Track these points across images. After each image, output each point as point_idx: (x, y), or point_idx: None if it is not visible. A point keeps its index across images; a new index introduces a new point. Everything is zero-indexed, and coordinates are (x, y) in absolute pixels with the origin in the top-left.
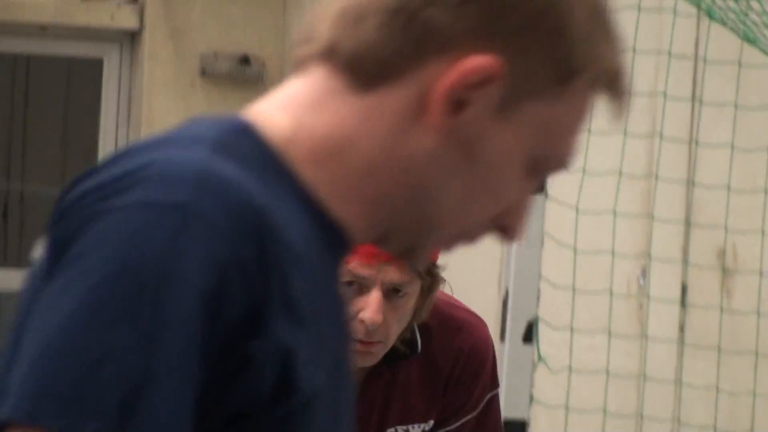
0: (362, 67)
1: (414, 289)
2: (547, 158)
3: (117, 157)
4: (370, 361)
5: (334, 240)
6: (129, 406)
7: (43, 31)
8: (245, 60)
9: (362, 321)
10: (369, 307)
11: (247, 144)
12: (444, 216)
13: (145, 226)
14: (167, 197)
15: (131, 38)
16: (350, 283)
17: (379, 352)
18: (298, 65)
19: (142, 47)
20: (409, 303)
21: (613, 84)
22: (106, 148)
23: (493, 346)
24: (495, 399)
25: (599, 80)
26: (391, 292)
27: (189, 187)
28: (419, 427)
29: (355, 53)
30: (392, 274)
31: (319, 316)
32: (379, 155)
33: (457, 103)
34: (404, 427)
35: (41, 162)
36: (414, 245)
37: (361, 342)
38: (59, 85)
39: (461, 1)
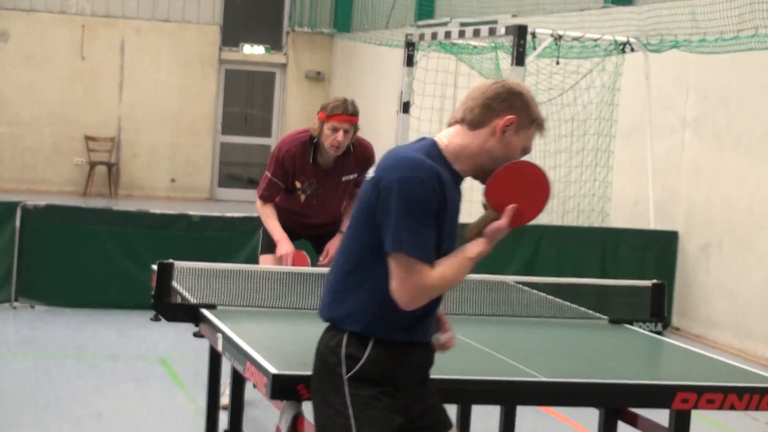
0: (472, 124)
1: (352, 131)
2: (525, 148)
3: (393, 151)
4: (338, 153)
5: (457, 178)
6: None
7: None
8: None
9: (337, 139)
10: (340, 135)
11: (434, 150)
12: (496, 166)
13: (409, 183)
14: (411, 173)
15: None
16: (335, 129)
17: (340, 151)
18: (451, 122)
19: None
20: (350, 135)
21: (541, 125)
22: None
23: (374, 152)
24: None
25: (538, 123)
26: (345, 132)
27: (415, 166)
28: (352, 175)
29: (470, 121)
30: (346, 125)
31: (451, 205)
32: (477, 150)
33: (503, 130)
34: (347, 177)
35: None
36: (487, 176)
37: (337, 147)
38: None
39: (503, 100)
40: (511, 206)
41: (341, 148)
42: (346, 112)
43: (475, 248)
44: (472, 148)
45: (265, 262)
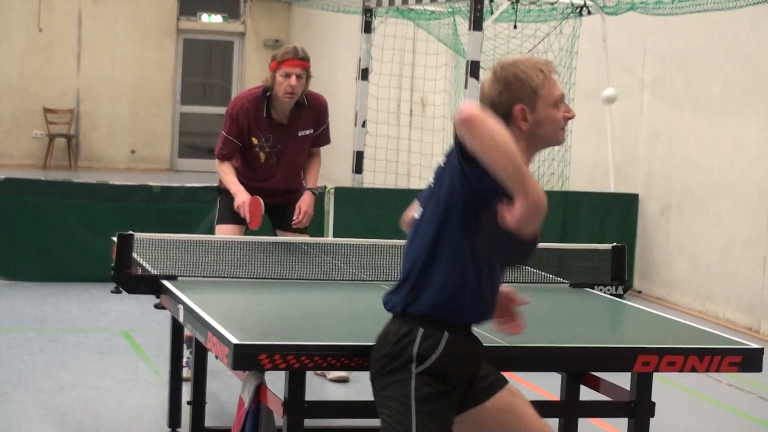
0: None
1: (305, 77)
2: (556, 103)
3: None
4: (292, 101)
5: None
6: None
7: None
8: None
9: (290, 84)
10: (292, 80)
11: None
12: (554, 138)
13: None
14: None
15: None
16: (287, 75)
17: (295, 98)
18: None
19: None
20: (303, 81)
21: (547, 78)
22: None
23: (327, 105)
24: (328, 124)
25: (541, 83)
26: (297, 78)
27: None
28: (308, 131)
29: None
30: (298, 70)
31: None
32: (528, 137)
33: (517, 116)
34: (302, 132)
35: None
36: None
37: (291, 93)
38: None
39: (501, 92)
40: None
41: (295, 94)
42: (297, 57)
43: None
44: (523, 138)
45: (221, 233)
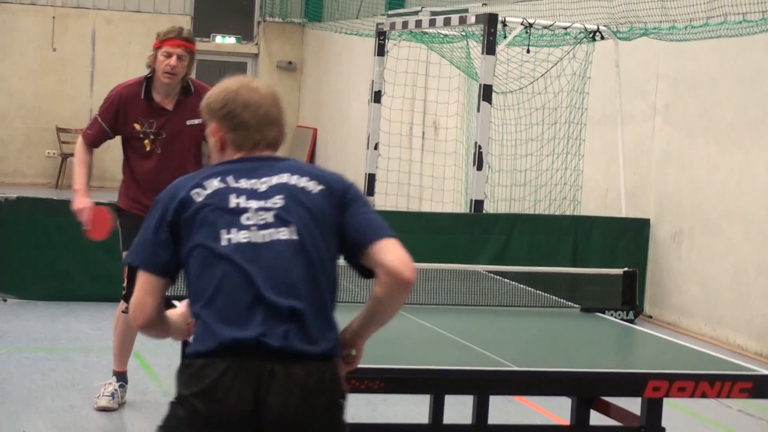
0: None
1: (187, 59)
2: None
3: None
4: (171, 82)
5: None
6: None
7: None
8: None
9: (170, 64)
10: (173, 60)
11: None
12: None
13: None
14: None
15: None
16: (168, 54)
17: (175, 79)
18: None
19: None
20: (184, 63)
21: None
22: None
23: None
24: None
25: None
26: (178, 58)
27: None
28: (198, 120)
29: None
30: (179, 50)
31: None
32: None
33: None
34: (191, 121)
35: None
36: None
37: (170, 74)
38: None
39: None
40: None
41: (175, 75)
42: (179, 37)
43: None
44: None
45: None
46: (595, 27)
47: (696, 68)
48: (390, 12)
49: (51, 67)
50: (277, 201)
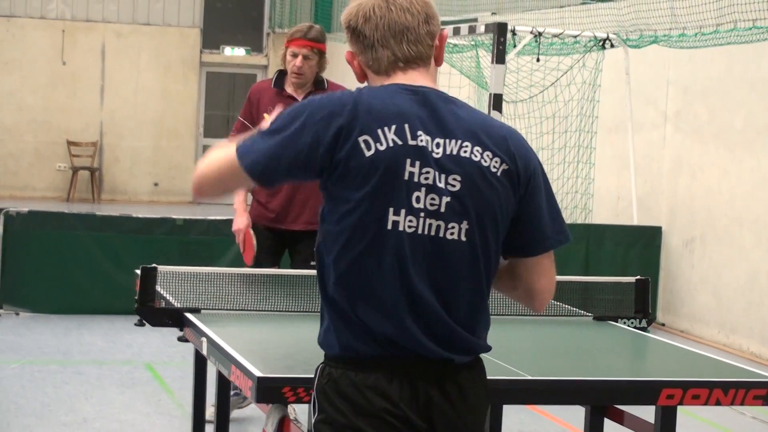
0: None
1: (315, 59)
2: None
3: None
4: (299, 82)
5: None
6: None
7: None
8: None
9: (296, 65)
10: (298, 61)
11: None
12: None
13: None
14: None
15: None
16: (294, 55)
17: (302, 80)
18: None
19: None
20: (311, 63)
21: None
22: None
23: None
24: None
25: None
26: (304, 58)
27: None
28: None
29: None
30: (305, 51)
31: None
32: None
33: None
34: None
35: None
36: None
37: (297, 74)
38: None
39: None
40: None
41: (302, 76)
42: (305, 37)
43: None
44: None
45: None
46: (604, 35)
47: (706, 75)
48: None
49: (61, 81)
50: (454, 183)
